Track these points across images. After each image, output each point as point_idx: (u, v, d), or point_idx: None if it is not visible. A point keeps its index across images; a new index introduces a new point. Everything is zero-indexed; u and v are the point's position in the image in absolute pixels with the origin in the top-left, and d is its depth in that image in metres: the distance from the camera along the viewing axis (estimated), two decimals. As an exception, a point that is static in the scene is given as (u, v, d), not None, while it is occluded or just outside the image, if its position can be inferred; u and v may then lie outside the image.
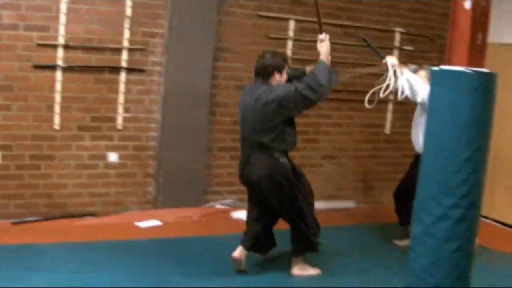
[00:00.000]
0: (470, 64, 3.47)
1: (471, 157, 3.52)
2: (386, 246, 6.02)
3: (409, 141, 7.53)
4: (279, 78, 4.69)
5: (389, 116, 7.53)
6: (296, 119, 6.58)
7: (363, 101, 7.19)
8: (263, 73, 4.70)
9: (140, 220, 6.18)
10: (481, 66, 3.59)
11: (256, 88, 4.73)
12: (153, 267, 5.03)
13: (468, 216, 3.57)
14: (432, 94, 3.69)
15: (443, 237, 3.56)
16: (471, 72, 3.49)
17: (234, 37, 6.60)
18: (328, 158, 7.30)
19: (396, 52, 7.37)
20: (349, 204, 7.42)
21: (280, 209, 4.85)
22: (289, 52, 6.85)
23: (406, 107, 7.56)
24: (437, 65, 7.62)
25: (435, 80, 3.68)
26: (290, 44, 6.88)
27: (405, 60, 6.50)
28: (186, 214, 6.45)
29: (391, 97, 7.44)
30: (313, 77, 4.58)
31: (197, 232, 6.03)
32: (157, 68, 6.33)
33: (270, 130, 4.65)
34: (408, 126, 7.49)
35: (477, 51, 3.45)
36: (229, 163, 6.80)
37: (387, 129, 7.55)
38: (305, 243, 4.97)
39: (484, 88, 3.50)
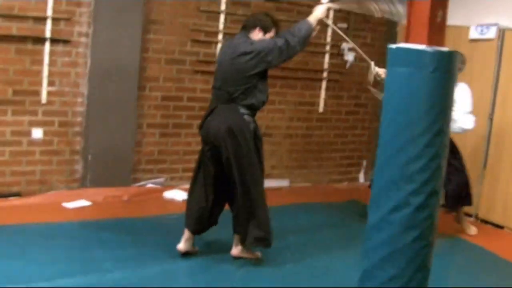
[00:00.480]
0: (429, 43, 3.23)
1: (432, 141, 3.29)
2: (322, 226, 5.93)
3: (341, 120, 7.55)
4: (261, 36, 4.54)
5: (322, 94, 7.44)
6: None
7: (296, 78, 7.22)
8: (247, 25, 4.59)
9: (67, 200, 5.85)
10: (441, 46, 3.36)
11: (236, 40, 4.57)
12: (83, 251, 4.71)
13: (429, 203, 3.32)
14: (389, 74, 3.44)
15: (403, 225, 3.31)
16: (432, 50, 3.24)
17: (164, 9, 6.32)
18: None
19: (329, 29, 7.29)
20: (283, 183, 7.31)
21: (235, 173, 4.47)
22: (221, 26, 6.64)
23: (339, 84, 7.54)
24: (371, 44, 7.71)
25: (392, 59, 3.42)
26: (222, 18, 6.66)
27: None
28: (116, 193, 6.16)
29: (325, 75, 7.39)
30: (293, 34, 4.49)
31: (128, 213, 5.74)
32: (83, 39, 5.99)
33: (241, 82, 4.43)
34: (341, 104, 7.53)
35: (437, 29, 3.24)
36: (159, 141, 6.56)
37: (321, 108, 7.46)
38: (261, 232, 4.54)
39: (445, 68, 3.29)
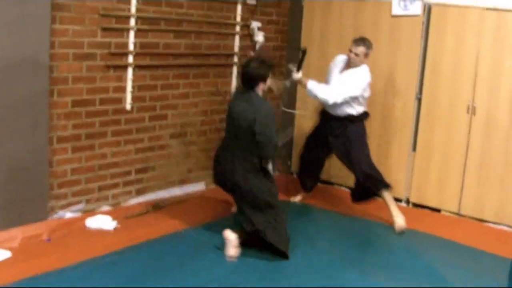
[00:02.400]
0: None
1: None
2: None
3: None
4: (263, 86, 4.89)
5: (233, 82, 6.56)
6: (142, 93, 5.68)
7: (210, 65, 6.27)
8: (248, 84, 4.86)
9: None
10: None
11: (244, 98, 4.88)
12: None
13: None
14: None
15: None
16: None
17: (70, -10, 4.95)
18: (177, 136, 6.11)
19: (239, 6, 6.40)
20: (199, 187, 6.36)
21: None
22: (133, 9, 5.42)
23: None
24: (276, 21, 6.96)
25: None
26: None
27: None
28: (34, 232, 4.79)
29: (236, 59, 6.52)
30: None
31: (53, 262, 4.39)
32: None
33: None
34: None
35: None
36: (71, 157, 5.24)
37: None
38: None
39: None
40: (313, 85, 5.52)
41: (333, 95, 5.47)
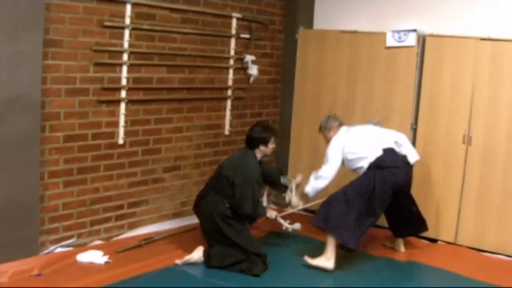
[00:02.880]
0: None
1: None
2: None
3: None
4: (264, 148, 5.34)
5: (227, 115, 6.58)
6: (135, 127, 5.71)
7: (203, 99, 6.29)
8: (249, 144, 5.37)
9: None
10: None
11: (241, 152, 5.46)
12: None
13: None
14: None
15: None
16: None
17: (63, 27, 4.98)
18: (170, 170, 6.11)
19: (233, 40, 6.45)
20: (193, 220, 6.29)
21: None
22: (126, 44, 5.46)
23: (243, 102, 6.80)
24: (270, 54, 7.00)
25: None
26: (127, 34, 5.46)
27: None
28: (24, 267, 4.74)
29: (229, 92, 6.55)
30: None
31: None
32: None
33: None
34: (245, 124, 6.71)
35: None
36: (63, 192, 5.23)
37: (226, 130, 6.61)
38: None
39: None
40: (310, 188, 5.59)
41: (323, 175, 5.49)
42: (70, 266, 4.99)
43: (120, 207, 5.69)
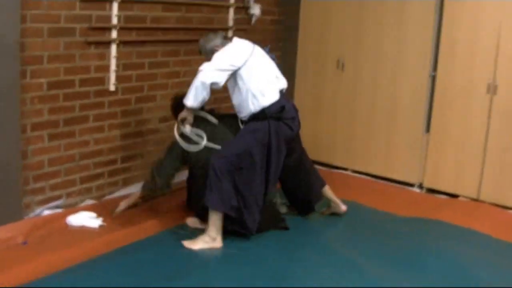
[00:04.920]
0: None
1: None
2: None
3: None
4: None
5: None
6: (127, 72, 5.17)
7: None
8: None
9: None
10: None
11: None
12: None
13: None
14: None
15: None
16: None
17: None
18: (167, 120, 5.54)
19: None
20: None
21: None
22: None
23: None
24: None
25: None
26: None
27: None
28: (7, 234, 4.19)
29: (230, 34, 5.96)
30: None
31: (31, 271, 3.76)
32: None
33: None
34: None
35: None
36: (48, 146, 4.66)
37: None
38: None
39: None
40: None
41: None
42: (60, 231, 4.43)
43: (113, 161, 5.18)
